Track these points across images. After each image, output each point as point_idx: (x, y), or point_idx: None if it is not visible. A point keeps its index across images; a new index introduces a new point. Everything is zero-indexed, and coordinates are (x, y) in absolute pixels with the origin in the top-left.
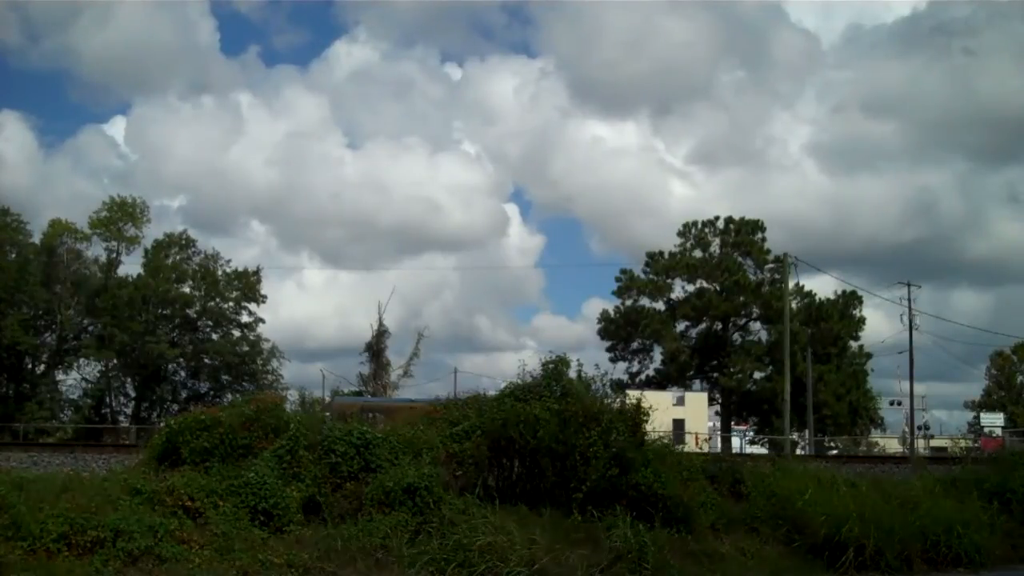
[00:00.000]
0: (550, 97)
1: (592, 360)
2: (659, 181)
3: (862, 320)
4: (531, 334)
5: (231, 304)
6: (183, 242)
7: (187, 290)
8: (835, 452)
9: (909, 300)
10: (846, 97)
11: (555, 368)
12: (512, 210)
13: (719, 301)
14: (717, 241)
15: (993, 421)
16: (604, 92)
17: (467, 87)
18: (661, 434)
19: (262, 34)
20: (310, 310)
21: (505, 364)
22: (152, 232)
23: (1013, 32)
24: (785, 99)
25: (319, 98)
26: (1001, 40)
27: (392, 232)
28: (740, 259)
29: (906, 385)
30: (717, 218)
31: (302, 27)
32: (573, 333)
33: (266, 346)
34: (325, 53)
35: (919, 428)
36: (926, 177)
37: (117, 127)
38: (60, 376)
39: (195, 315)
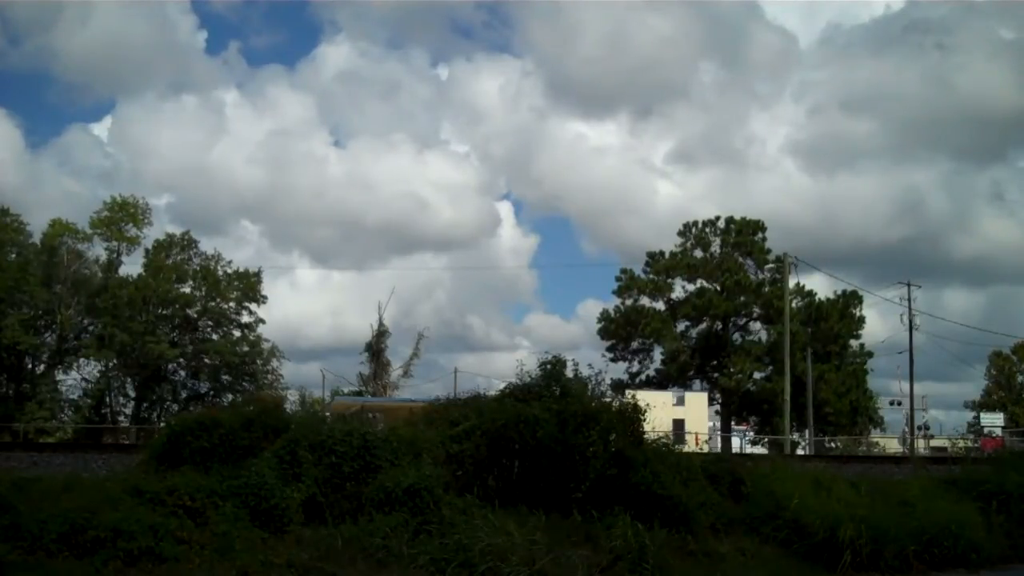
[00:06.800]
0: (536, 97)
1: (587, 360)
2: (644, 180)
3: (862, 319)
4: (525, 334)
5: (232, 304)
6: (184, 243)
7: (187, 290)
8: (836, 452)
9: (909, 300)
10: (826, 96)
11: (554, 368)
12: (505, 209)
13: (720, 301)
14: (718, 241)
15: (993, 421)
16: (587, 91)
17: (453, 86)
18: (661, 434)
19: (243, 33)
20: (302, 310)
21: (500, 364)
22: (151, 232)
23: (991, 31)
24: (765, 99)
25: (304, 97)
26: (980, 39)
27: (383, 232)
28: (741, 259)
29: (904, 385)
30: (718, 218)
31: (282, 27)
32: (567, 333)
33: (266, 346)
34: (312, 53)
35: (919, 428)
36: (911, 176)
37: (102, 126)
38: (60, 376)
39: (195, 315)
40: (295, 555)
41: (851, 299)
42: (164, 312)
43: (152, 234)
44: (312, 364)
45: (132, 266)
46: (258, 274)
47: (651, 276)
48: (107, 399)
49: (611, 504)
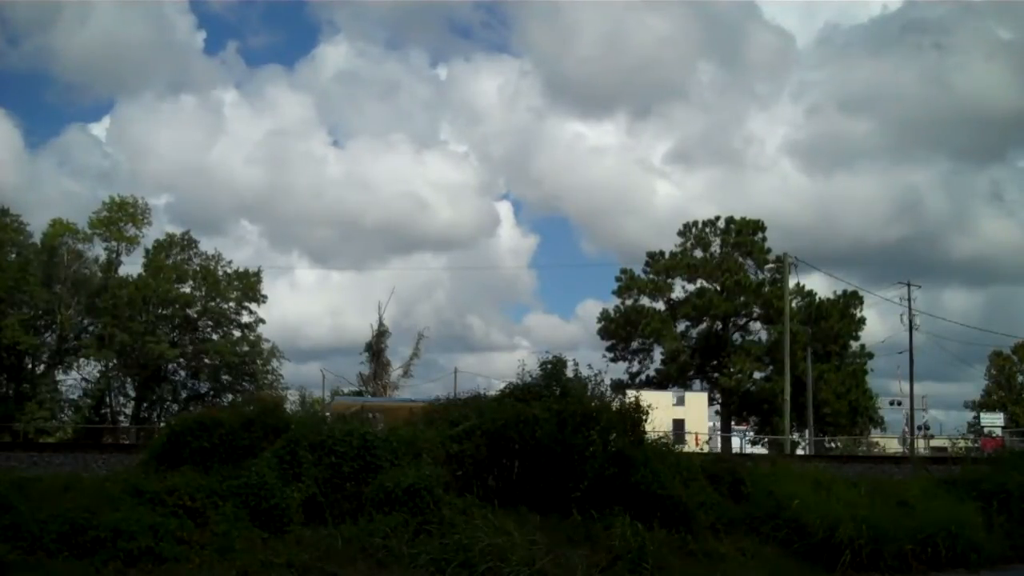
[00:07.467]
0: (535, 97)
1: (587, 360)
2: (643, 180)
3: (862, 319)
4: (524, 334)
5: (232, 304)
6: (184, 243)
7: (187, 290)
8: (836, 452)
9: (909, 300)
10: (824, 96)
11: (554, 368)
12: (504, 209)
13: (720, 301)
14: (717, 241)
15: (993, 421)
16: (585, 91)
17: (452, 86)
18: (661, 434)
19: (241, 33)
20: (302, 310)
21: (500, 364)
22: (151, 232)
23: (989, 31)
24: (763, 98)
25: (303, 97)
26: (978, 39)
27: (383, 232)
28: (741, 259)
29: (904, 385)
30: (718, 218)
31: (280, 27)
32: (567, 333)
33: (266, 346)
34: (311, 53)
35: (919, 428)
36: (910, 176)
37: (101, 126)
38: (60, 376)
39: (195, 315)
40: (295, 555)
41: (851, 299)
42: (164, 312)
43: (152, 234)
44: (312, 364)
45: (132, 266)
46: (258, 274)
47: (651, 276)
48: (107, 399)
49: (611, 504)
